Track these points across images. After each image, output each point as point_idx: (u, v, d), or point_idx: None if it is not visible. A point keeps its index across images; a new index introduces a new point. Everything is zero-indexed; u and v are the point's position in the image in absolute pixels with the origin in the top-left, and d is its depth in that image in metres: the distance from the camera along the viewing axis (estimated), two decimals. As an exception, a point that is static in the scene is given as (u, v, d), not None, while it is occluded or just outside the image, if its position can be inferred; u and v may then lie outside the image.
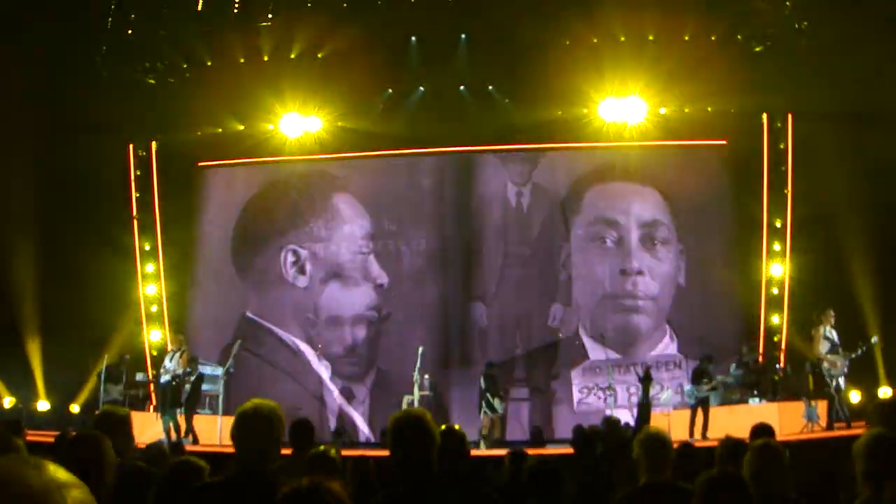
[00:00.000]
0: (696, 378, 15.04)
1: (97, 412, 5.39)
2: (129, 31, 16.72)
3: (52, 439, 9.37)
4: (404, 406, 15.65)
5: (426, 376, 15.72)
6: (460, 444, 5.33)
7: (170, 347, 15.25)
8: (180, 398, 14.90)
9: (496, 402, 15.43)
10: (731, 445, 5.70)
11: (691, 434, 14.24)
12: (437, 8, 16.71)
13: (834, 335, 14.26)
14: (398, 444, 3.82)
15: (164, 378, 14.84)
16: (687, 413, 15.06)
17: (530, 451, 7.90)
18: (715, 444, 5.95)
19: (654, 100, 17.45)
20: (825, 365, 14.30)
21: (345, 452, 9.21)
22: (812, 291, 16.63)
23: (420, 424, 3.83)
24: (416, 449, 3.77)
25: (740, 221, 18.04)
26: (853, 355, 14.18)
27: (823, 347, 14.25)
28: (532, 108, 17.73)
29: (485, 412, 15.55)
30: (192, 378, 15.09)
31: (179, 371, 14.78)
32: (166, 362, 14.97)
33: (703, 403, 14.77)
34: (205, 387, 15.70)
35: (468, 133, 18.52)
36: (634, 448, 4.83)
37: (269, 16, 16.74)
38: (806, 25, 16.18)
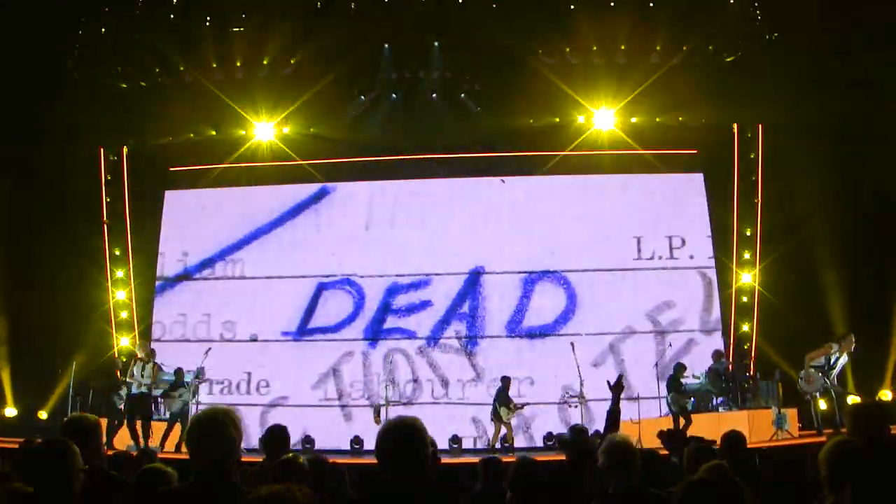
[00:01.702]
0: (674, 386, 15.12)
1: (65, 419, 5.29)
2: (102, 36, 16.62)
3: (17, 446, 9.26)
4: (372, 413, 15.68)
5: (397, 383, 15.74)
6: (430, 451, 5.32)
7: (140, 355, 14.95)
8: (150, 410, 14.83)
9: (502, 411, 15.74)
10: (696, 452, 5.76)
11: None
12: (410, 16, 16.72)
13: (837, 361, 14.19)
14: (387, 451, 3.80)
15: (138, 390, 14.61)
16: (656, 421, 15.15)
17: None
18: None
19: (626, 109, 17.55)
20: (802, 372, 14.41)
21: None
22: (782, 300, 16.77)
23: (410, 432, 3.81)
24: (404, 455, 3.76)
25: (711, 230, 18.15)
26: (828, 387, 14.21)
27: (817, 362, 14.32)
28: (504, 116, 17.78)
29: (492, 420, 15.97)
30: (163, 389, 15.08)
31: (149, 382, 14.67)
32: (137, 374, 14.69)
33: (684, 411, 14.83)
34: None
35: (440, 140, 18.53)
36: (600, 456, 4.84)
37: (243, 20, 16.70)
38: (776, 37, 16.34)
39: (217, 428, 3.88)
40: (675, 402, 14.97)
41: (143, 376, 14.60)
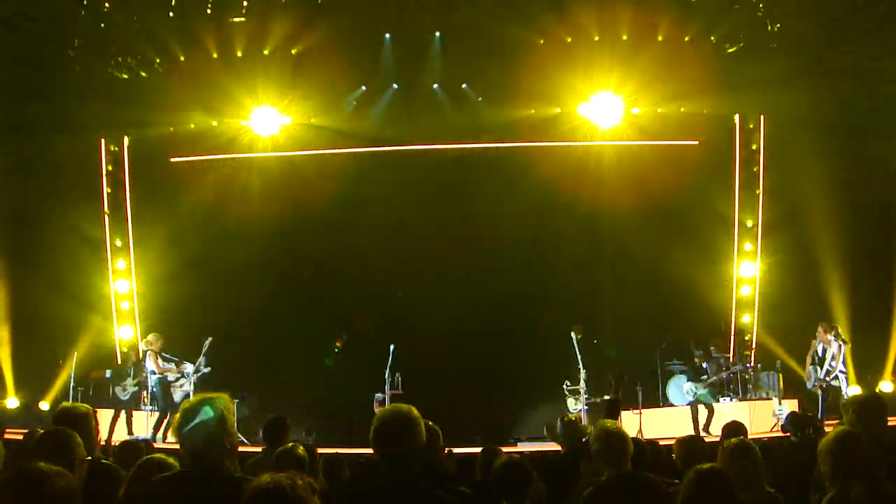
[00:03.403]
0: (695, 377, 15.11)
1: (57, 409, 5.26)
2: (102, 26, 16.57)
3: (21, 436, 9.28)
4: (375, 406, 15.63)
5: (398, 374, 15.67)
6: (433, 441, 5.33)
7: (156, 347, 14.99)
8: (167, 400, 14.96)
9: (570, 402, 15.86)
10: (688, 444, 5.79)
11: (696, 431, 14.08)
12: (412, 5, 16.67)
13: (826, 352, 14.17)
14: (381, 440, 3.79)
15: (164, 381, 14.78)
16: (657, 412, 15.17)
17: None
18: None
19: (628, 99, 17.51)
20: (804, 372, 14.51)
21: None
22: (782, 291, 16.77)
23: (405, 421, 3.80)
24: (399, 444, 3.76)
25: (712, 221, 18.08)
26: (823, 379, 14.23)
27: (812, 359, 14.39)
28: (505, 106, 17.72)
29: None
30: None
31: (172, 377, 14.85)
32: (156, 366, 14.77)
33: (706, 400, 14.80)
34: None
35: (441, 131, 18.45)
36: (591, 444, 4.86)
37: (244, 10, 16.65)
38: (779, 27, 16.31)
39: (209, 416, 3.84)
40: (692, 392, 14.91)
41: (172, 376, 14.80)
